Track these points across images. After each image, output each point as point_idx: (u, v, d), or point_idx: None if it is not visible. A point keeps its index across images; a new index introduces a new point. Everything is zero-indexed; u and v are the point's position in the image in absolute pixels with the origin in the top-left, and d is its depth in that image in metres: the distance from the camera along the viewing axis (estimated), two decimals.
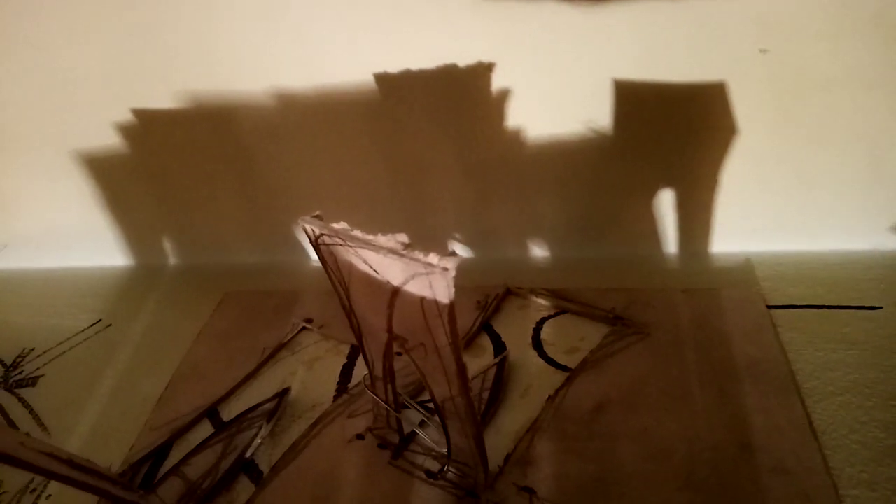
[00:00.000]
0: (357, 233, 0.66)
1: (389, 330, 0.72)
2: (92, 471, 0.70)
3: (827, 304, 0.99)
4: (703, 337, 0.96)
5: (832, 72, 0.93)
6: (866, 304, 0.98)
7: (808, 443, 0.81)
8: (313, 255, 1.23)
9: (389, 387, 0.81)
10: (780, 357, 0.91)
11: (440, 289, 0.61)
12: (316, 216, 0.69)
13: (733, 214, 1.07)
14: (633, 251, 1.13)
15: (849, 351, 0.91)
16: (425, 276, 0.61)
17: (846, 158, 1.00)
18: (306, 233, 0.70)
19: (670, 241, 1.12)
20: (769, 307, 0.99)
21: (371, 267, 0.66)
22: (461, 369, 0.68)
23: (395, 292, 0.66)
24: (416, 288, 0.64)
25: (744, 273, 1.06)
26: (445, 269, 0.59)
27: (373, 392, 0.83)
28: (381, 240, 0.64)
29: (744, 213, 1.07)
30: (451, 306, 0.62)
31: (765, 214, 1.07)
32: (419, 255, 0.61)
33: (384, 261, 0.64)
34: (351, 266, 0.69)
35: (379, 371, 0.80)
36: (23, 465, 0.62)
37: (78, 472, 0.68)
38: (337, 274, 0.72)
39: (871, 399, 0.85)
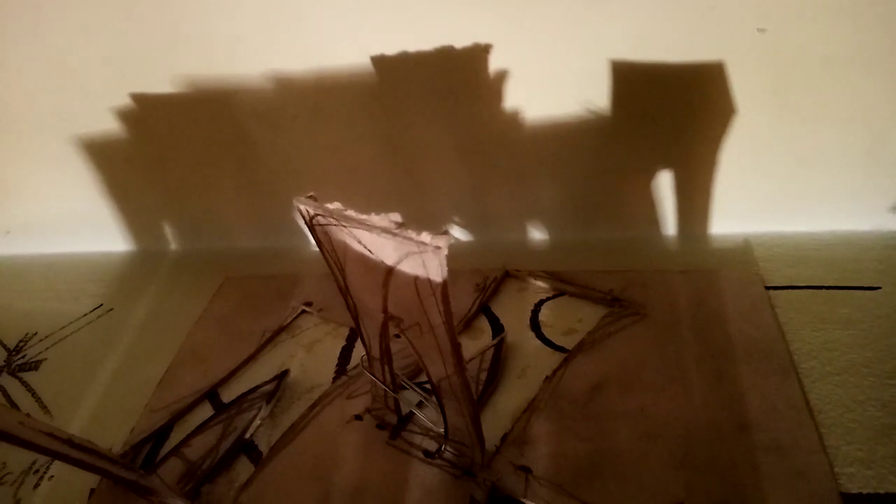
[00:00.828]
0: (350, 212, 0.66)
1: (385, 310, 0.72)
2: (92, 451, 0.71)
3: (825, 285, 0.99)
4: (700, 318, 0.96)
5: (831, 51, 0.92)
6: (865, 285, 0.98)
7: (804, 422, 0.81)
8: (312, 240, 1.23)
9: (387, 368, 0.82)
10: (777, 337, 0.92)
11: (433, 267, 0.61)
12: (310, 197, 0.70)
13: (732, 196, 1.07)
14: (632, 233, 1.13)
15: (847, 331, 0.91)
16: (418, 255, 0.62)
17: (845, 139, 0.99)
18: (301, 213, 0.70)
19: (668, 223, 1.12)
20: (767, 288, 0.99)
21: (365, 247, 0.66)
22: (455, 348, 0.68)
23: (390, 272, 0.66)
24: (409, 267, 0.64)
25: (742, 254, 1.06)
26: (438, 248, 0.60)
27: (370, 373, 0.84)
28: (375, 219, 0.64)
29: (742, 194, 1.07)
30: (444, 285, 0.62)
31: (763, 196, 1.07)
32: (411, 233, 0.61)
33: (378, 240, 0.64)
34: (346, 246, 0.69)
35: (376, 352, 0.81)
36: (23, 443, 0.63)
37: (77, 452, 0.69)
38: (332, 255, 0.72)
39: (868, 378, 0.85)
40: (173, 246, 1.28)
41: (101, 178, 1.20)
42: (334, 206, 0.67)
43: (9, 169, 1.20)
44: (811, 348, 0.90)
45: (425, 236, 0.60)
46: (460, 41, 0.98)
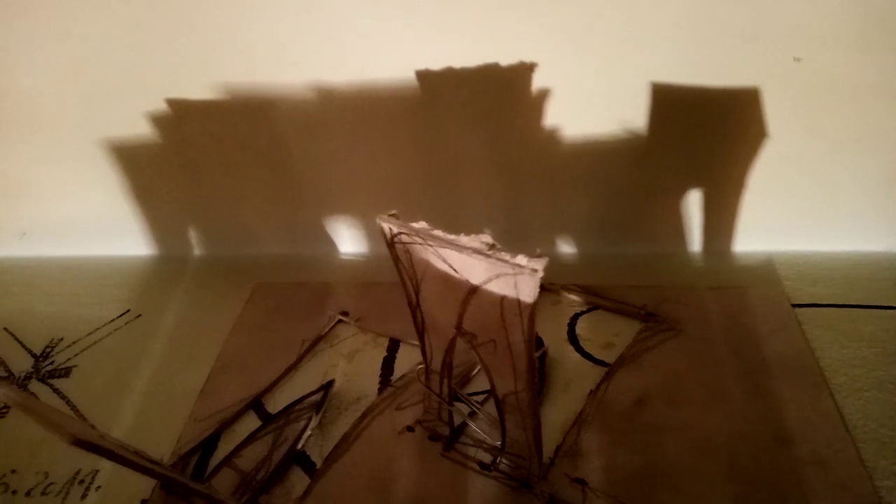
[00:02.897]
0: (438, 232, 0.67)
1: (459, 326, 0.73)
2: (160, 464, 0.71)
3: (847, 304, 1.04)
4: (732, 334, 1.00)
5: (861, 81, 0.97)
6: (884, 304, 1.03)
7: (841, 435, 0.85)
8: (343, 248, 1.24)
9: (445, 381, 0.83)
10: (807, 353, 0.96)
11: (526, 289, 0.63)
12: (392, 215, 0.71)
13: (756, 214, 1.11)
14: (658, 249, 1.16)
15: (872, 349, 0.96)
16: (511, 277, 0.63)
17: (867, 165, 1.04)
18: (382, 231, 0.71)
19: (695, 240, 1.15)
20: (793, 305, 1.04)
21: (451, 266, 0.68)
22: (531, 366, 0.70)
23: (474, 290, 0.68)
24: (497, 287, 0.66)
25: (767, 272, 1.10)
26: (535, 271, 0.61)
27: (427, 386, 0.85)
28: (465, 240, 0.66)
29: (767, 213, 1.11)
30: (534, 306, 0.64)
31: (787, 215, 1.11)
32: (506, 255, 0.63)
33: (466, 260, 0.66)
34: (427, 264, 0.70)
35: (437, 365, 0.82)
36: (107, 454, 0.62)
37: (151, 464, 0.69)
38: (409, 271, 0.73)
39: None
40: (198, 251, 1.27)
41: (126, 182, 1.18)
42: (420, 224, 0.69)
43: (31, 169, 1.18)
44: (839, 365, 0.94)
45: (521, 258, 0.62)
46: (506, 59, 0.99)
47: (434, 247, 0.68)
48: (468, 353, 0.75)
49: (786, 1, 0.91)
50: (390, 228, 0.70)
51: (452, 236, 0.66)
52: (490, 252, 0.64)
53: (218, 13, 0.99)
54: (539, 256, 0.62)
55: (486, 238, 0.65)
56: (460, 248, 0.65)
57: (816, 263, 1.11)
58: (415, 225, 0.69)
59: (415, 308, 0.77)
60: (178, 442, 0.91)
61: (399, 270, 0.74)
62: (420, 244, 0.69)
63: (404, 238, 0.70)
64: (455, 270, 0.68)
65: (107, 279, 1.22)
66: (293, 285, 1.16)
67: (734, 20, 0.94)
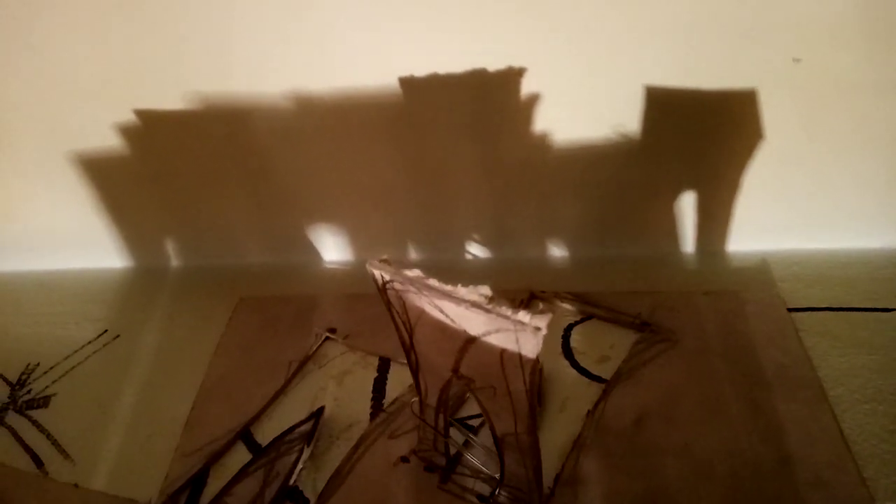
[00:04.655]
0: (433, 282, 0.64)
1: (455, 370, 0.71)
2: None
3: (844, 307, 1.02)
4: (729, 343, 0.98)
5: (861, 80, 0.93)
6: (882, 307, 1.01)
7: (842, 454, 0.84)
8: (327, 257, 1.20)
9: (441, 415, 0.81)
10: (805, 363, 0.94)
11: (528, 345, 0.60)
12: (384, 260, 0.67)
13: (750, 214, 1.08)
14: (652, 250, 1.14)
15: (870, 356, 0.95)
16: (511, 332, 0.60)
17: (866, 162, 1.02)
18: (373, 278, 0.67)
19: (687, 241, 1.13)
20: (789, 310, 1.02)
21: (447, 316, 0.64)
22: (533, 413, 0.68)
23: (471, 340, 0.65)
24: (497, 340, 0.62)
25: (761, 273, 1.08)
26: (538, 329, 0.58)
27: (422, 419, 0.83)
28: (462, 292, 0.62)
29: (761, 212, 1.08)
30: (537, 360, 0.61)
31: (782, 214, 1.09)
32: (506, 310, 0.60)
33: (464, 312, 0.62)
34: (421, 311, 0.67)
35: (432, 401, 0.79)
36: None
37: None
38: (402, 316, 0.70)
39: None
40: (177, 262, 1.22)
41: (99, 194, 1.13)
42: (413, 273, 0.65)
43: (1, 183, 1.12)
44: (838, 374, 0.93)
45: (523, 315, 0.59)
46: (494, 64, 0.95)
47: (429, 297, 0.64)
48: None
49: (784, 0, 0.87)
50: (381, 275, 0.67)
51: (449, 287, 0.63)
52: (490, 307, 0.60)
53: (188, 22, 0.93)
54: (542, 312, 0.59)
55: (486, 290, 0.62)
56: (457, 300, 0.62)
57: (812, 263, 1.09)
58: (408, 273, 0.65)
59: (409, 350, 0.74)
60: (165, 479, 0.88)
61: (392, 315, 0.71)
62: (414, 293, 0.65)
63: (397, 286, 0.66)
64: (451, 320, 0.64)
65: (83, 295, 1.17)
66: (277, 300, 1.12)
67: (731, 21, 0.90)
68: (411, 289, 0.65)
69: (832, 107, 0.96)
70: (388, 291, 0.68)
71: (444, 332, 0.66)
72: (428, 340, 0.71)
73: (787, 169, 1.03)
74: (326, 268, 1.19)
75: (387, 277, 0.66)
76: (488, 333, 0.62)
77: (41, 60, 0.98)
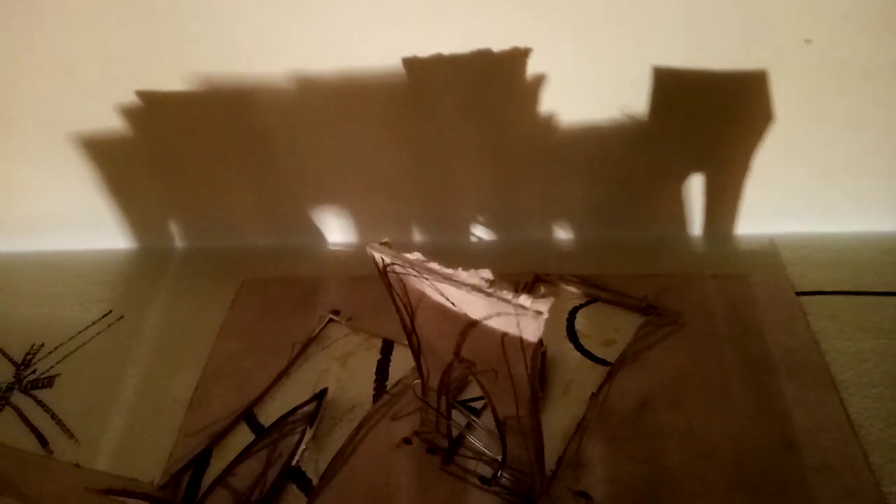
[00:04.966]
0: (434, 265, 0.63)
1: (457, 353, 0.70)
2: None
3: (853, 291, 1.01)
4: (736, 327, 0.97)
5: (874, 62, 0.92)
6: (891, 290, 1.00)
7: (848, 439, 0.83)
8: (331, 238, 1.19)
9: (443, 398, 0.80)
10: (813, 348, 0.93)
11: (529, 329, 0.60)
12: (384, 243, 0.66)
13: (759, 196, 1.07)
14: (659, 233, 1.13)
15: (878, 340, 0.93)
16: (513, 316, 0.60)
17: (877, 145, 1.00)
18: (374, 261, 0.67)
19: (695, 223, 1.11)
20: (797, 294, 1.01)
21: (448, 299, 0.64)
22: (534, 397, 0.67)
23: (473, 324, 0.64)
24: (498, 323, 0.62)
25: (770, 256, 1.07)
26: (539, 313, 0.58)
27: (425, 401, 0.82)
28: (463, 275, 0.62)
29: (769, 195, 1.07)
30: (538, 344, 0.61)
31: (790, 197, 1.07)
32: (507, 294, 0.59)
33: (465, 296, 0.62)
34: (422, 294, 0.66)
35: (434, 384, 0.79)
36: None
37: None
38: (403, 299, 0.69)
39: None
40: (181, 244, 1.22)
41: (101, 176, 1.13)
42: (414, 256, 0.64)
43: (1, 165, 1.12)
44: (846, 359, 0.92)
45: (525, 299, 0.58)
46: (499, 44, 0.93)
47: (430, 280, 0.63)
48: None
49: None
50: (382, 258, 0.66)
51: (449, 270, 0.62)
52: (490, 290, 0.60)
53: (189, 3, 0.92)
54: (543, 296, 0.58)
55: (486, 274, 0.61)
56: (458, 283, 0.61)
57: (821, 246, 1.07)
58: (409, 256, 0.64)
59: (410, 333, 0.73)
60: (169, 459, 0.89)
61: (393, 298, 0.70)
62: (415, 276, 0.65)
63: (398, 269, 0.65)
64: (452, 304, 0.64)
65: (87, 276, 1.17)
66: (281, 281, 1.11)
67: (741, 1, 0.88)
68: (412, 272, 0.64)
69: (843, 89, 0.94)
70: (389, 274, 0.67)
71: (445, 315, 0.65)
72: (429, 323, 0.70)
73: (797, 151, 1.01)
74: (330, 250, 1.19)
75: (387, 260, 0.66)
76: (489, 317, 0.62)
77: (43, 43, 0.98)
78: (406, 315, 0.71)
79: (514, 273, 1.07)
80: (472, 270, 0.61)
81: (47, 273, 1.19)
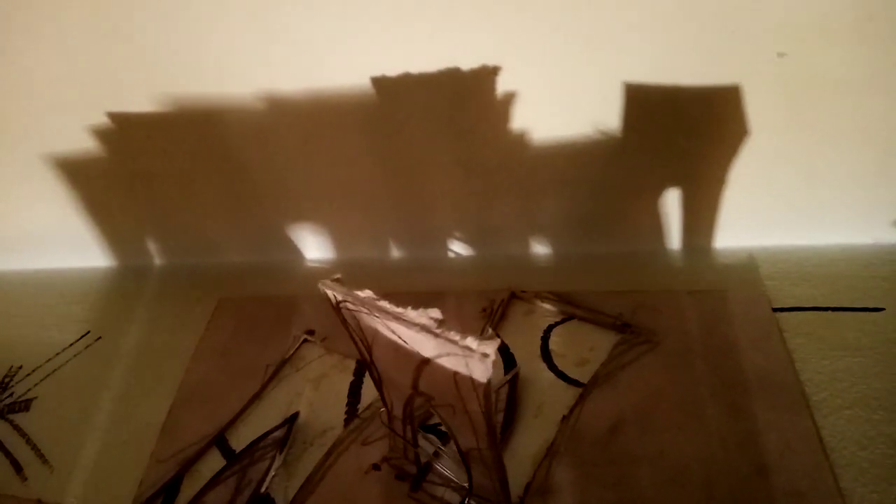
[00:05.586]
0: (385, 304, 0.63)
1: (415, 387, 0.70)
2: None
3: (831, 307, 0.99)
4: (711, 345, 0.96)
5: (846, 75, 0.90)
6: (869, 306, 0.99)
7: (820, 463, 0.82)
8: (309, 255, 1.19)
9: (408, 426, 0.80)
10: (788, 367, 0.92)
11: (477, 371, 0.59)
12: (336, 279, 0.66)
13: (737, 210, 1.06)
14: (635, 247, 1.11)
15: (854, 358, 0.92)
16: (461, 357, 0.59)
17: (853, 158, 0.98)
18: (327, 297, 0.66)
19: (672, 238, 1.10)
20: (774, 310, 0.99)
21: (399, 337, 0.63)
22: (492, 431, 0.67)
23: (426, 361, 0.64)
24: (448, 363, 0.61)
25: (747, 271, 1.06)
26: (485, 356, 0.57)
27: (391, 428, 0.82)
28: (412, 314, 0.61)
29: (747, 208, 1.06)
30: (488, 384, 0.60)
31: (768, 210, 1.06)
32: (455, 335, 0.59)
33: (415, 335, 0.61)
34: (376, 332, 0.66)
35: (398, 412, 0.79)
36: None
37: None
38: (359, 333, 0.69)
39: (878, 412, 0.87)
40: (158, 261, 1.22)
41: (75, 195, 1.12)
42: (365, 294, 0.64)
43: None
44: (821, 378, 0.91)
45: (471, 341, 0.58)
46: (468, 63, 0.92)
47: (381, 319, 0.63)
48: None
49: None
50: (334, 296, 0.65)
51: (399, 309, 0.62)
52: (438, 331, 0.59)
53: (157, 24, 0.92)
54: (490, 338, 0.58)
55: (435, 314, 0.60)
56: (407, 323, 0.61)
57: (800, 259, 1.06)
58: (360, 294, 0.64)
59: (369, 365, 0.73)
60: (140, 486, 0.89)
61: (349, 332, 0.70)
62: (366, 314, 0.64)
63: (349, 306, 0.65)
64: (404, 342, 0.63)
65: (65, 296, 1.17)
66: (257, 300, 1.11)
67: (714, 15, 0.87)
68: (363, 310, 0.64)
69: (818, 102, 0.93)
70: (343, 311, 0.67)
71: (399, 351, 0.65)
72: (386, 358, 0.70)
73: (774, 165, 1.00)
74: (308, 266, 1.18)
75: (339, 298, 0.65)
76: (440, 356, 0.61)
77: (11, 64, 0.98)
78: (363, 348, 0.71)
79: (491, 290, 1.06)
80: (420, 310, 0.61)
81: (27, 293, 1.19)
